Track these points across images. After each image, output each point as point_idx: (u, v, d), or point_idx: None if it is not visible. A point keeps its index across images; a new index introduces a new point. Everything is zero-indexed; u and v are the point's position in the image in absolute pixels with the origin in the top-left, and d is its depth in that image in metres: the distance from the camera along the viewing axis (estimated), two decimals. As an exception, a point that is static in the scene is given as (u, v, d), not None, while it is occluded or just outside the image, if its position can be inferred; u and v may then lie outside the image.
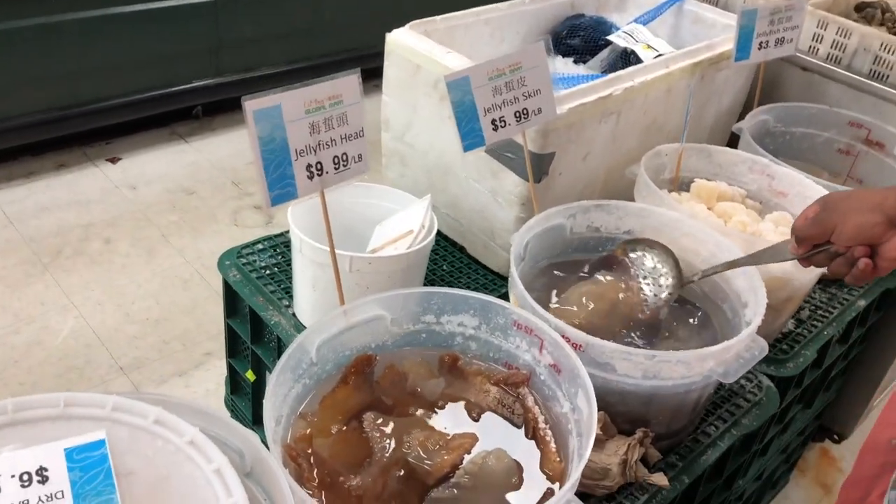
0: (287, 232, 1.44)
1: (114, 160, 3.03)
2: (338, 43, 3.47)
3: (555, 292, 1.17)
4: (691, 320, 1.18)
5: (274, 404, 0.83)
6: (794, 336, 1.42)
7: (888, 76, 1.77)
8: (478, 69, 1.11)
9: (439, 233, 1.39)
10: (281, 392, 0.86)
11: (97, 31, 2.74)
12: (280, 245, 1.43)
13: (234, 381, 1.51)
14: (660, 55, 1.63)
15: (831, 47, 1.85)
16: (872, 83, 1.77)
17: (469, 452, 0.88)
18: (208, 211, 2.82)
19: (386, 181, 1.56)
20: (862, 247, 0.94)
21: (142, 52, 2.90)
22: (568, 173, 1.37)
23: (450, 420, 0.95)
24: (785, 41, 1.64)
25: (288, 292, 1.31)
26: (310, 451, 0.85)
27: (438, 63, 1.33)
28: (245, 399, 1.48)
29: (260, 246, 1.41)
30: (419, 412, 0.94)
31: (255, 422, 1.45)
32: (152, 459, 0.71)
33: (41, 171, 2.92)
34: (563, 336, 0.94)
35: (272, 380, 0.84)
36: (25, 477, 0.66)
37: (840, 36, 1.83)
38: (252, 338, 1.34)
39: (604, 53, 1.77)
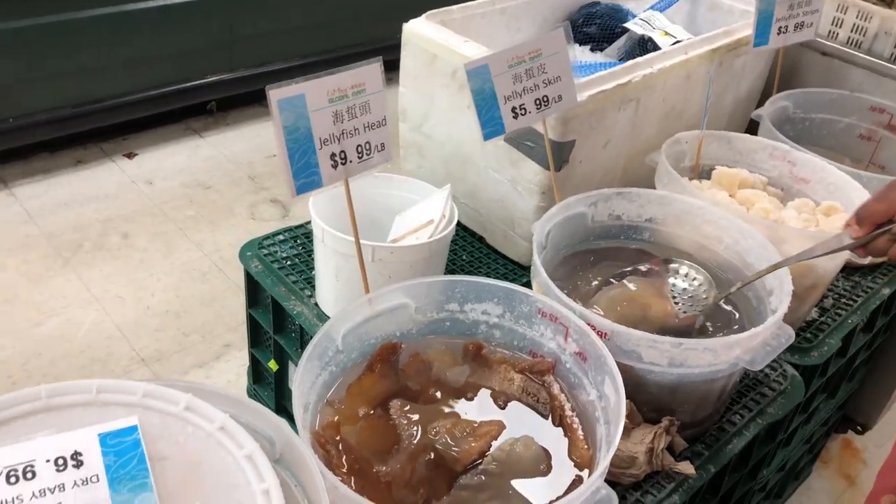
0: (307, 223, 1.44)
1: (130, 156, 3.05)
2: (352, 36, 3.47)
3: (578, 291, 1.15)
4: (715, 308, 1.17)
5: (302, 391, 0.83)
6: (818, 325, 1.41)
7: (910, 60, 1.75)
8: (498, 57, 1.11)
9: (459, 223, 1.39)
10: (308, 379, 0.86)
11: (112, 28, 2.75)
12: (300, 236, 1.43)
13: (256, 372, 1.52)
14: (678, 42, 1.62)
15: (851, 31, 1.82)
16: (894, 67, 1.75)
17: (496, 439, 0.88)
18: (225, 205, 2.84)
19: (404, 173, 1.56)
20: None
21: (156, 48, 2.91)
22: (588, 161, 1.36)
23: (475, 408, 0.95)
24: (804, 26, 1.62)
25: (310, 282, 1.31)
26: (338, 438, 0.85)
27: (456, 52, 1.33)
28: (268, 388, 1.49)
29: (281, 237, 1.42)
30: (445, 400, 0.94)
31: (278, 411, 1.46)
32: (184, 445, 0.72)
33: (59, 167, 2.94)
34: (588, 324, 0.94)
35: (300, 367, 0.84)
36: (60, 462, 0.66)
37: (860, 19, 1.81)
38: (274, 328, 1.34)
39: (621, 41, 1.76)
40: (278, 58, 3.30)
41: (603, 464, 0.77)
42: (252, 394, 1.56)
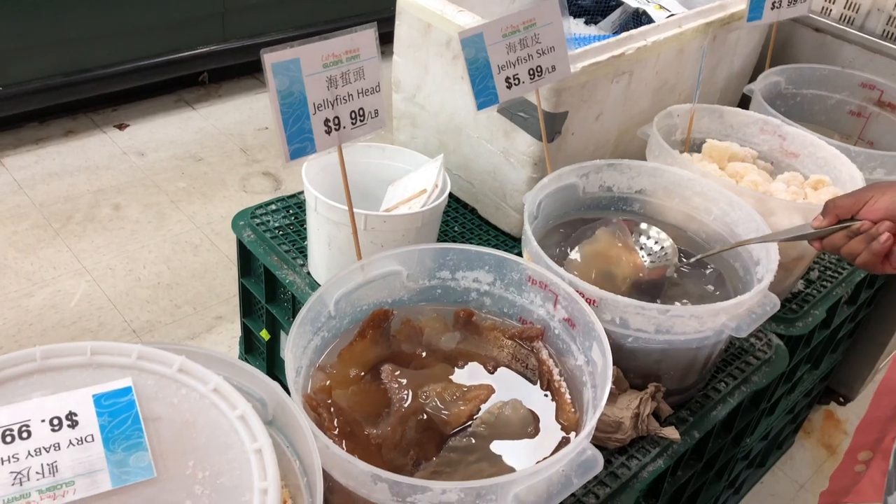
0: (299, 193, 1.45)
1: (121, 127, 3.03)
2: (346, 7, 3.44)
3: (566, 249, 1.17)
4: (704, 279, 1.19)
5: (295, 355, 0.84)
6: (803, 296, 1.43)
7: (902, 37, 1.76)
8: (492, 26, 1.11)
9: (451, 194, 1.39)
10: (300, 343, 0.87)
11: (103, -3, 2.72)
12: (293, 206, 1.43)
13: (247, 341, 1.53)
14: (672, 15, 1.62)
15: (844, 7, 1.83)
16: (886, 43, 1.76)
17: (485, 403, 0.90)
18: (217, 177, 2.83)
19: (397, 143, 1.56)
20: (889, 223, 0.91)
21: (148, 17, 2.88)
22: (580, 133, 1.36)
23: (466, 374, 0.96)
24: (798, 1, 1.62)
25: (302, 252, 1.32)
26: (329, 401, 0.87)
27: (450, 21, 1.33)
28: (259, 358, 1.50)
29: (273, 207, 1.42)
30: (436, 366, 0.96)
31: (270, 380, 1.47)
32: (178, 406, 0.73)
33: (50, 137, 2.92)
34: (577, 291, 0.95)
35: (292, 331, 0.85)
36: (56, 421, 0.67)
37: (854, -4, 1.81)
38: (267, 297, 1.35)
39: (615, 14, 1.75)
40: (271, 29, 3.26)
41: (589, 425, 0.79)
42: (244, 362, 1.57)
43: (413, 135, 1.54)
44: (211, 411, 0.73)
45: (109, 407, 0.70)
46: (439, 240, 1.37)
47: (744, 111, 1.47)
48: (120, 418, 0.70)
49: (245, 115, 3.22)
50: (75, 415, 0.69)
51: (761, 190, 1.31)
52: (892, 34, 1.77)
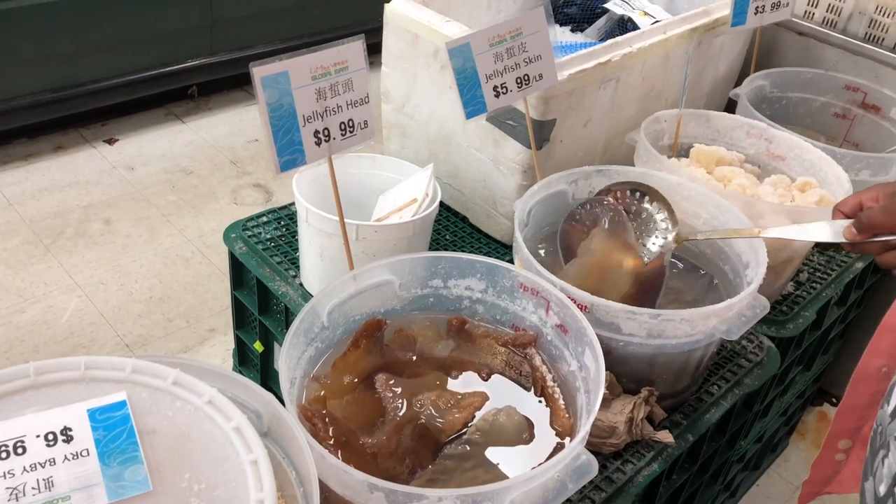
0: (290, 205, 1.45)
1: (111, 141, 3.03)
2: (334, 19, 3.46)
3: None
4: (696, 283, 1.20)
5: (289, 366, 0.84)
6: (793, 298, 1.44)
7: (883, 39, 1.78)
8: (479, 35, 1.12)
9: (442, 203, 1.40)
10: (294, 354, 0.87)
11: (92, 12, 2.72)
12: (284, 217, 1.44)
13: (241, 353, 1.53)
14: (657, 22, 1.63)
15: (827, 11, 1.85)
16: (868, 46, 1.78)
17: (480, 410, 0.90)
18: (207, 190, 2.83)
19: (387, 153, 1.57)
20: None
21: (137, 32, 2.88)
22: (569, 140, 1.38)
23: (460, 382, 0.97)
24: (781, 5, 1.64)
25: (294, 263, 1.32)
26: (324, 411, 0.87)
27: (437, 32, 1.34)
28: (253, 370, 1.50)
29: (264, 219, 1.43)
30: (430, 374, 0.96)
31: (264, 392, 1.47)
32: (173, 419, 0.73)
33: (39, 153, 2.91)
34: (568, 297, 0.96)
35: (286, 342, 0.85)
36: (51, 437, 0.67)
37: None
38: (259, 309, 1.35)
39: (601, 21, 1.77)
40: (259, 41, 3.27)
41: (584, 430, 0.80)
42: (238, 375, 1.57)
43: (403, 145, 1.55)
44: (206, 424, 0.73)
45: (104, 421, 0.70)
46: (431, 248, 1.38)
47: (730, 115, 1.49)
48: (115, 432, 0.70)
49: (235, 127, 3.22)
50: (70, 430, 0.69)
51: (749, 193, 1.32)
52: (874, 37, 1.80)
